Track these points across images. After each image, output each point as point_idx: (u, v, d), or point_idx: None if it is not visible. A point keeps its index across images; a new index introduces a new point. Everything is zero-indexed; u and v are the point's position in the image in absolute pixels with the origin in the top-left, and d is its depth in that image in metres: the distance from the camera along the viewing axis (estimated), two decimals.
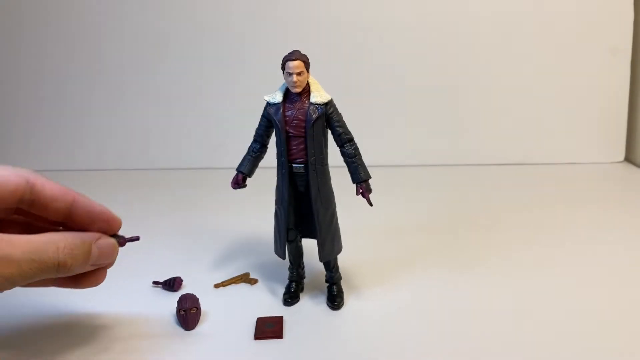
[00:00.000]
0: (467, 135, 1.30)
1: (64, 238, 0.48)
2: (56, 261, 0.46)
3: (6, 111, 1.35)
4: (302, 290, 0.68)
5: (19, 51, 1.32)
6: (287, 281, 0.68)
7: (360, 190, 0.61)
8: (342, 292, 0.66)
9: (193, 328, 0.60)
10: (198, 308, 0.61)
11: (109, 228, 0.52)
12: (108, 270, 0.62)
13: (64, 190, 0.51)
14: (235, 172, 0.64)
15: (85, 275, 0.53)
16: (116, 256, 0.53)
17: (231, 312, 0.64)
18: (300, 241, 0.67)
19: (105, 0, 1.28)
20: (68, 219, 0.52)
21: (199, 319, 0.61)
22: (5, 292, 0.47)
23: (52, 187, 0.50)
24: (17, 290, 0.48)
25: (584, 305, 0.64)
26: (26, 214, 0.52)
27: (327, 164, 0.62)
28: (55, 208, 0.50)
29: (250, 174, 0.64)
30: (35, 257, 0.45)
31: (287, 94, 0.61)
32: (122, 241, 0.54)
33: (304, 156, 0.61)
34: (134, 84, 1.32)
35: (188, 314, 0.59)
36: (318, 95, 0.60)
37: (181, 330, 0.60)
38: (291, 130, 0.60)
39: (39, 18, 1.30)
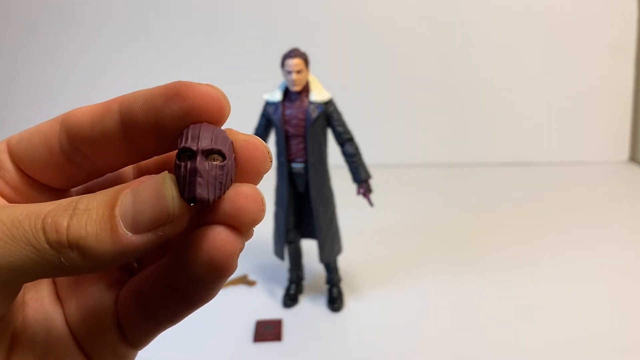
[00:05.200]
0: (470, 134, 1.29)
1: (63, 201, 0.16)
2: (38, 229, 0.14)
3: (7, 111, 1.34)
4: (301, 291, 0.67)
5: (19, 51, 1.31)
6: (286, 283, 0.67)
7: (361, 191, 0.60)
8: (342, 294, 0.65)
9: (212, 199, 0.15)
10: (230, 159, 0.16)
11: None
12: None
13: None
14: None
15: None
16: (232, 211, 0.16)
17: (230, 314, 0.63)
18: (300, 242, 0.66)
19: (105, 1, 1.28)
20: None
21: (231, 180, 0.16)
22: None
23: None
24: None
25: (587, 305, 0.63)
26: None
27: (326, 164, 0.61)
28: None
29: None
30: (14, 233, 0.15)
31: (286, 92, 0.60)
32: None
33: (303, 155, 0.60)
34: (134, 84, 1.31)
35: (192, 166, 0.15)
36: (318, 94, 0.59)
37: (176, 332, 0.58)
38: (290, 130, 0.59)
39: (39, 18, 1.29)
